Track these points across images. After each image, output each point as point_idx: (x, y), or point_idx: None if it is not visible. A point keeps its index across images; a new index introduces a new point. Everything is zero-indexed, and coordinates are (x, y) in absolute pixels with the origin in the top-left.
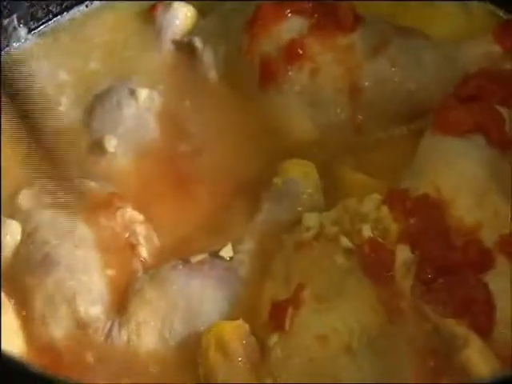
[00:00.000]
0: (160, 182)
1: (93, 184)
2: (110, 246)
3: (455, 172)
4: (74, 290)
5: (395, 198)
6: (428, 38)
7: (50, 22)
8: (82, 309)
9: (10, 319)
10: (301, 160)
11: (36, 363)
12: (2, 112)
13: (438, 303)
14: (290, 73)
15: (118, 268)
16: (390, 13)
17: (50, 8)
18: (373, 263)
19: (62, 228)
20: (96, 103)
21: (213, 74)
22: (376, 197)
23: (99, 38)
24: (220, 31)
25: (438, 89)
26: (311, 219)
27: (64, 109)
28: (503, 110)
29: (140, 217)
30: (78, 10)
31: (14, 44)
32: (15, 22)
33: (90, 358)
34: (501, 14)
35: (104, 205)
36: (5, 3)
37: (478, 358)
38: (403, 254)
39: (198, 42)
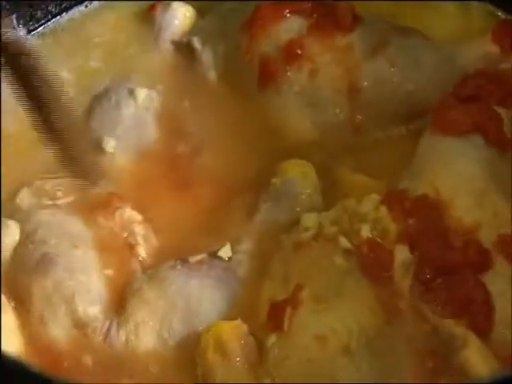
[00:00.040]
0: (159, 182)
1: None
2: (109, 245)
3: (454, 172)
4: (72, 289)
5: (394, 199)
6: (427, 38)
7: (49, 23)
8: (80, 309)
9: (9, 319)
10: (299, 160)
11: (35, 363)
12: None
13: (437, 303)
14: (288, 73)
15: (117, 268)
16: (389, 13)
17: (50, 8)
18: (371, 263)
19: (61, 228)
20: (95, 103)
21: (212, 74)
22: (375, 197)
23: (98, 38)
24: (219, 31)
25: (437, 89)
26: (310, 219)
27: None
28: (502, 111)
29: (139, 217)
30: (78, 11)
31: None
32: (14, 22)
33: (88, 357)
34: (499, 13)
35: (103, 205)
36: (4, 3)
37: (476, 358)
38: (402, 254)
39: (196, 43)
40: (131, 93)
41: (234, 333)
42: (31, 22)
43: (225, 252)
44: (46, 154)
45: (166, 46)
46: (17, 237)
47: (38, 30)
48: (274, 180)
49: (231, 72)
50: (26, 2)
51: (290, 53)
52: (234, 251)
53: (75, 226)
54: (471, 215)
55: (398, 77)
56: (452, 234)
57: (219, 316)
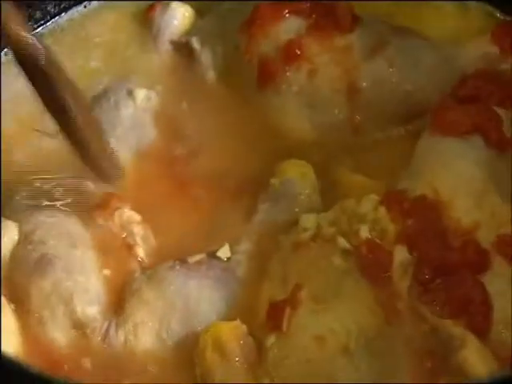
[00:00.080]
0: (158, 182)
1: (91, 185)
2: (107, 246)
3: (453, 173)
4: (71, 290)
5: (393, 199)
6: (426, 38)
7: (48, 23)
8: (79, 309)
9: (9, 320)
10: (298, 160)
11: (34, 364)
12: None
13: (436, 304)
14: (287, 73)
15: (115, 268)
16: (387, 13)
17: (48, 9)
18: (370, 264)
19: (60, 228)
20: (94, 104)
21: (211, 74)
22: (374, 198)
23: (97, 39)
24: (218, 31)
25: (436, 89)
26: (308, 220)
27: None
28: (501, 111)
29: (137, 217)
30: (77, 11)
31: None
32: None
33: (87, 358)
34: (498, 14)
35: (102, 205)
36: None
37: (475, 358)
38: (401, 254)
39: (195, 43)
40: (130, 93)
41: (233, 333)
42: (30, 22)
43: (223, 252)
44: (46, 155)
45: (165, 46)
46: (15, 237)
47: (37, 30)
48: (273, 180)
49: (230, 72)
50: (25, 3)
51: (289, 53)
52: (232, 251)
53: (74, 226)
54: (470, 216)
55: (397, 77)
56: (451, 234)
57: (218, 316)
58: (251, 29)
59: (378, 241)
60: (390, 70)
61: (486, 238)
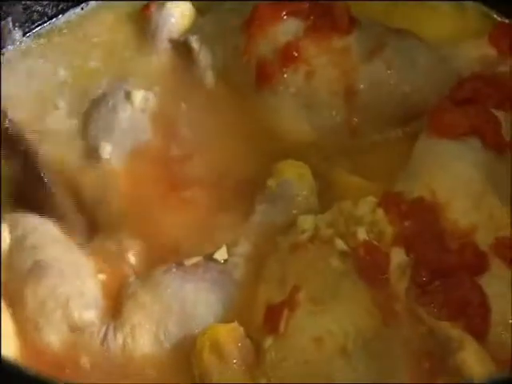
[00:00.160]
0: (155, 184)
1: None
2: (99, 250)
3: (451, 175)
4: (66, 295)
5: (390, 201)
6: (423, 40)
7: (45, 25)
8: (76, 313)
9: (7, 324)
10: (295, 161)
11: (33, 368)
12: None
13: (434, 306)
14: (285, 75)
15: (110, 273)
16: (384, 14)
17: (46, 10)
18: (368, 266)
19: (51, 233)
20: (92, 108)
21: (209, 75)
22: (371, 199)
23: (95, 40)
24: (217, 31)
25: (434, 91)
26: (306, 221)
27: (63, 112)
28: (499, 113)
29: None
30: (74, 13)
31: (9, 47)
32: (10, 24)
33: (86, 362)
34: (494, 15)
35: None
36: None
37: (473, 360)
38: (398, 256)
39: (194, 42)
40: (128, 96)
41: (231, 335)
42: (27, 23)
43: (220, 254)
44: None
45: (164, 44)
46: (7, 240)
47: (34, 31)
48: (270, 181)
49: (229, 72)
50: (22, 4)
51: (287, 55)
52: (230, 253)
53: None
54: (468, 218)
55: (395, 79)
56: (448, 236)
57: (215, 319)
58: (250, 29)
59: (375, 243)
60: (388, 72)
61: (484, 240)
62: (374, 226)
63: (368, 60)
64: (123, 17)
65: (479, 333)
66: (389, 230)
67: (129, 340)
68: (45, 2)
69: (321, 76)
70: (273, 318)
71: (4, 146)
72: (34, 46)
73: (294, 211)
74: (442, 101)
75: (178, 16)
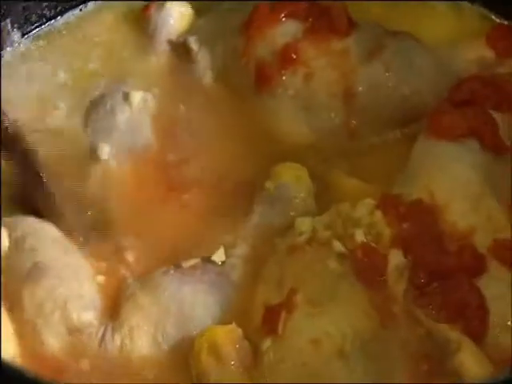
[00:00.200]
0: (154, 186)
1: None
2: (97, 251)
3: (449, 176)
4: (65, 296)
5: (388, 203)
6: (421, 42)
7: (44, 26)
8: (74, 315)
9: (6, 326)
10: (293, 164)
11: (33, 370)
12: None
13: (432, 308)
14: (284, 77)
15: (108, 274)
16: (383, 16)
17: (44, 12)
18: (365, 268)
19: (49, 235)
20: (91, 110)
21: (208, 76)
22: (369, 201)
23: (94, 41)
24: (216, 32)
25: (432, 93)
26: (304, 223)
27: (62, 113)
28: (497, 115)
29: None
30: (73, 14)
31: (8, 48)
32: (9, 25)
33: (84, 363)
34: (492, 16)
35: None
36: None
37: (471, 362)
38: (396, 258)
39: (193, 43)
40: (126, 97)
41: (229, 337)
42: (26, 25)
43: (218, 256)
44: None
45: (163, 46)
46: (6, 243)
47: (33, 33)
48: (268, 184)
49: (228, 74)
50: (21, 5)
51: (285, 57)
52: (227, 255)
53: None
54: (466, 219)
55: (393, 81)
56: (447, 238)
57: (213, 320)
58: (249, 31)
59: (373, 244)
60: (387, 74)
61: (482, 242)
62: (371, 228)
63: (367, 62)
64: (122, 18)
65: (477, 335)
66: (387, 232)
67: (127, 341)
68: (43, 4)
69: (319, 78)
70: (271, 319)
71: (3, 146)
72: (33, 47)
73: (292, 213)
74: (440, 103)
75: (176, 17)
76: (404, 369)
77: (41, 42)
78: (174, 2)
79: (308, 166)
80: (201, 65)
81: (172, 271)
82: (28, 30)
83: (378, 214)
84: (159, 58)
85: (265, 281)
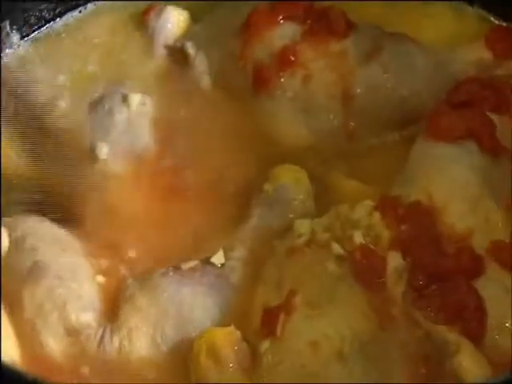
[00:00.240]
0: (152, 187)
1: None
2: (97, 252)
3: (448, 178)
4: (64, 297)
5: (387, 205)
6: (419, 43)
7: (42, 28)
8: (73, 316)
9: (6, 326)
10: (292, 166)
11: (32, 371)
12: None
13: (430, 310)
14: (282, 79)
15: (108, 274)
16: (381, 18)
17: (43, 14)
18: (364, 270)
19: (49, 235)
20: (90, 111)
21: (205, 80)
22: (368, 203)
23: (93, 43)
24: (213, 36)
25: (431, 95)
26: (302, 225)
27: (61, 114)
28: (494, 117)
29: None
30: (72, 16)
31: (7, 50)
32: (8, 27)
33: (83, 364)
34: (491, 18)
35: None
36: None
37: (469, 363)
38: (395, 260)
39: (190, 48)
40: (125, 99)
41: (227, 339)
42: (25, 27)
43: (218, 258)
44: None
45: (160, 50)
46: (6, 243)
47: (32, 35)
48: (267, 185)
49: (225, 78)
50: (20, 8)
51: (284, 59)
52: (226, 257)
53: (63, 232)
54: (464, 222)
55: (392, 83)
56: (445, 240)
57: (212, 323)
58: (246, 34)
59: (372, 246)
60: (385, 75)
61: (480, 243)
62: (370, 230)
63: (365, 63)
64: (121, 20)
65: (475, 336)
66: (385, 234)
67: (125, 343)
68: (42, 6)
69: (318, 80)
70: (269, 321)
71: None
72: (31, 50)
73: (291, 215)
74: (438, 104)
75: (174, 22)
76: (403, 370)
77: (39, 45)
78: (173, 7)
79: (307, 168)
80: (198, 69)
81: (171, 273)
82: (27, 32)
83: (377, 216)
84: (157, 61)
85: (264, 283)
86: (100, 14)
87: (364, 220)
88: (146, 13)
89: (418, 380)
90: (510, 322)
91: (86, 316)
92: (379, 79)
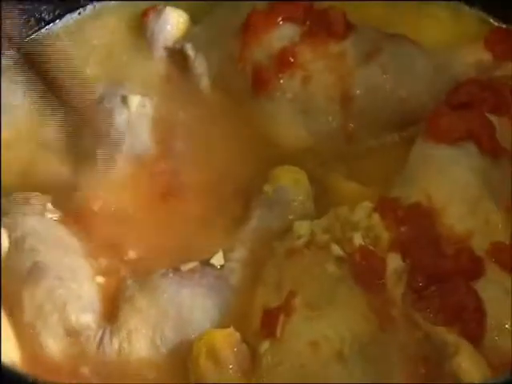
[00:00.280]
0: (151, 189)
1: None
2: (97, 253)
3: (447, 180)
4: (64, 298)
5: (387, 206)
6: (419, 45)
7: (42, 30)
8: (73, 317)
9: (6, 327)
10: (292, 167)
11: (32, 372)
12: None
13: (430, 311)
14: (281, 81)
15: (108, 274)
16: (381, 19)
17: (43, 16)
18: (364, 271)
19: (49, 235)
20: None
21: (205, 82)
22: (367, 205)
23: (92, 45)
24: (212, 38)
25: (430, 96)
26: (302, 227)
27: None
28: (494, 118)
29: None
30: (71, 17)
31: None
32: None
33: (82, 365)
34: (491, 20)
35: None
36: None
37: (468, 364)
38: (394, 262)
39: (189, 49)
40: (124, 101)
41: (227, 341)
42: (24, 28)
43: (217, 260)
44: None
45: (160, 52)
46: (6, 244)
47: (32, 36)
48: (266, 187)
49: (224, 79)
50: (19, 9)
51: (283, 60)
52: (226, 259)
53: (63, 233)
54: (464, 223)
55: (391, 84)
56: (444, 241)
57: (212, 324)
58: (245, 36)
59: (371, 248)
60: (384, 76)
61: (479, 245)
62: (370, 232)
63: (364, 64)
64: (121, 22)
65: (475, 337)
66: (385, 236)
67: (125, 344)
68: (42, 8)
69: (317, 81)
70: (269, 322)
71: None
72: None
73: (290, 216)
74: (438, 106)
75: (173, 23)
76: (402, 372)
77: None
78: (172, 8)
79: (306, 170)
80: (197, 71)
81: (171, 274)
82: (26, 34)
83: (376, 217)
84: (157, 63)
85: (263, 284)
86: (99, 16)
87: (363, 221)
88: (145, 14)
89: (418, 381)
90: (509, 323)
91: (86, 317)
92: (378, 80)
